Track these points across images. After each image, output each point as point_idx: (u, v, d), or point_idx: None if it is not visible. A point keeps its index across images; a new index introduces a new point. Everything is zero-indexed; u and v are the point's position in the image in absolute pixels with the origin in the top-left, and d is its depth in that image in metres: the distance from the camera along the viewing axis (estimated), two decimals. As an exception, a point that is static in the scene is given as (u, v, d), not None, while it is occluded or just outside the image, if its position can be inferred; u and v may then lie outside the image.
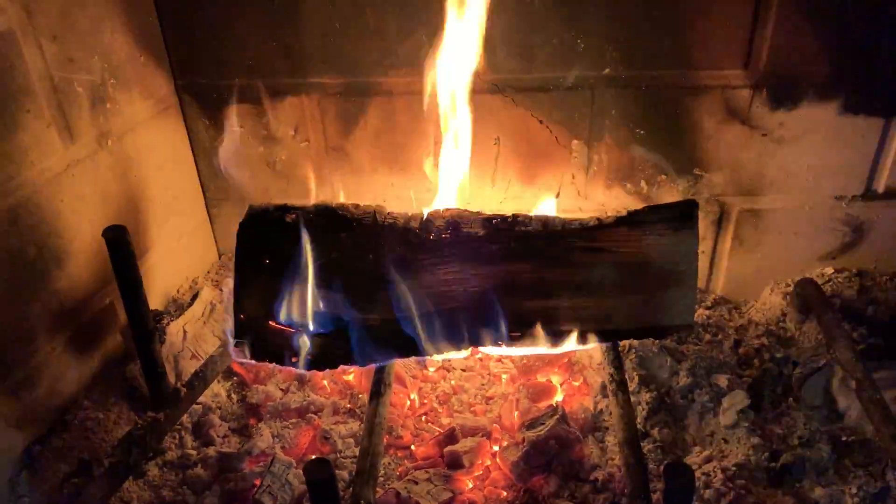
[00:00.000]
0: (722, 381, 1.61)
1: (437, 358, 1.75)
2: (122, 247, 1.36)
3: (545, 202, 1.80)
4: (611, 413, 1.53)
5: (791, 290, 1.82)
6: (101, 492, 1.36)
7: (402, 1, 1.66)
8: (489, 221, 1.47)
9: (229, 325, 1.49)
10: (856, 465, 1.49)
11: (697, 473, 1.46)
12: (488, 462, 1.53)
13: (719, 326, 1.82)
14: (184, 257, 1.94)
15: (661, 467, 1.45)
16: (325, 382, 1.72)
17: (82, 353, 1.62)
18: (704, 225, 1.85)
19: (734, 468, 1.46)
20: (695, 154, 1.78)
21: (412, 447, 1.57)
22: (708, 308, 1.90)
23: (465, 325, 1.48)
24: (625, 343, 1.69)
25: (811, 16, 1.59)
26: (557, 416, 1.51)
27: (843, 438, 1.52)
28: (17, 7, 1.38)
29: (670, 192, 1.83)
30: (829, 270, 1.88)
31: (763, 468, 1.47)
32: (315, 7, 1.69)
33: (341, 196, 1.91)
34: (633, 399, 1.55)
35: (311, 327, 1.47)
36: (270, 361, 1.51)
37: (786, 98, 1.69)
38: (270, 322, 1.46)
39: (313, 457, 1.53)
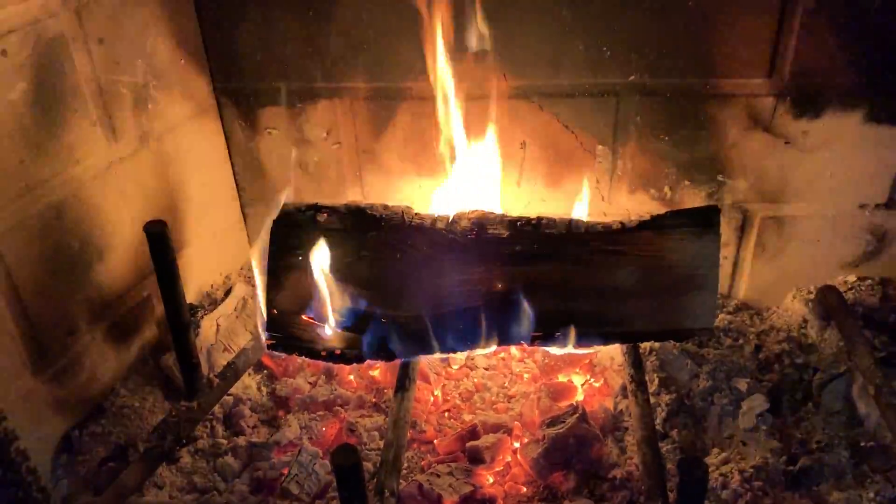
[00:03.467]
0: (742, 384, 1.63)
1: (461, 356, 1.80)
2: (162, 241, 1.42)
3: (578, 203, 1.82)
4: (630, 413, 1.56)
5: (813, 297, 1.83)
6: (136, 476, 1.42)
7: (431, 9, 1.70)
8: (514, 223, 1.51)
9: (261, 319, 1.54)
10: (874, 470, 1.49)
11: (715, 474, 1.48)
12: (509, 458, 1.56)
13: (741, 331, 1.83)
14: (218, 254, 1.99)
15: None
16: (352, 377, 1.76)
17: (120, 344, 1.68)
18: (727, 231, 1.87)
19: (752, 470, 1.47)
20: (718, 161, 1.79)
21: (435, 442, 1.61)
22: (730, 313, 1.91)
23: (489, 324, 1.51)
24: (646, 345, 1.71)
25: (835, 25, 1.60)
26: (578, 414, 1.54)
27: (862, 444, 1.53)
28: (68, 12, 1.44)
29: (694, 198, 1.85)
30: (852, 278, 1.88)
31: (781, 471, 1.49)
32: (348, 15, 1.74)
33: (371, 197, 1.97)
34: (652, 400, 1.58)
35: (340, 323, 1.51)
36: (300, 355, 1.56)
37: (809, 107, 1.70)
38: (303, 316, 1.51)
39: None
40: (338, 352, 1.53)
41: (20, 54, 1.36)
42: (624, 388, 1.63)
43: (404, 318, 1.51)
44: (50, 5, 1.41)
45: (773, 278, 1.92)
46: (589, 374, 1.77)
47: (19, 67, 1.36)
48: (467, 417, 1.66)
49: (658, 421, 1.58)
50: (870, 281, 1.87)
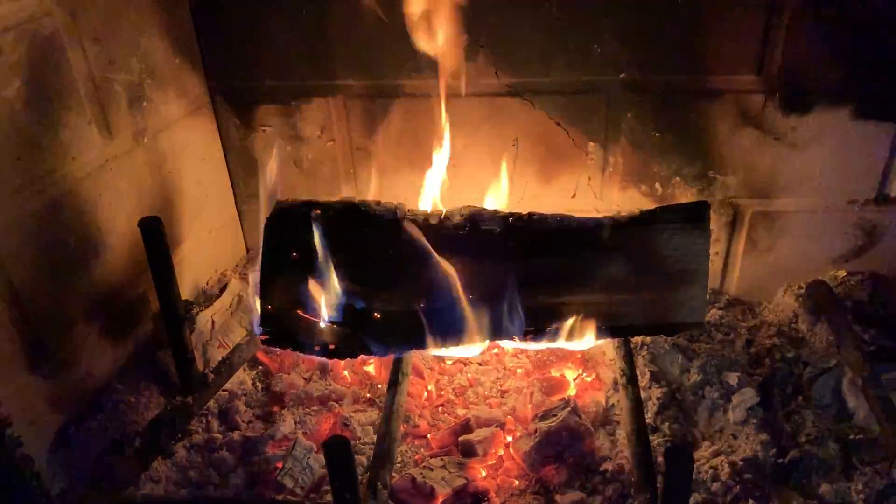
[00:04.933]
0: (732, 378, 1.64)
1: (454, 351, 1.81)
2: (156, 237, 1.43)
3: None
4: (621, 407, 1.57)
5: (803, 291, 1.85)
6: (131, 470, 1.44)
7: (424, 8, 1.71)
8: (506, 219, 1.52)
9: (255, 314, 1.55)
10: (863, 462, 1.50)
11: (705, 467, 1.49)
12: (501, 452, 1.58)
13: (732, 326, 1.85)
14: (213, 251, 2.01)
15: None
16: (346, 372, 1.78)
17: (116, 340, 1.69)
18: (718, 227, 1.88)
19: (742, 463, 1.49)
20: (709, 157, 1.81)
21: (428, 436, 1.62)
22: (721, 308, 1.93)
23: (481, 320, 1.53)
24: (637, 340, 1.73)
25: (823, 22, 1.62)
26: (569, 408, 1.56)
27: (851, 437, 1.54)
28: (63, 11, 1.45)
29: (684, 194, 1.86)
30: (842, 273, 1.89)
31: (770, 464, 1.50)
32: (342, 13, 1.76)
33: (364, 194, 1.98)
34: (644, 394, 1.59)
35: (333, 318, 1.53)
36: (294, 350, 1.58)
37: (798, 103, 1.72)
38: (299, 311, 1.52)
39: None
40: (332, 347, 1.54)
41: (15, 52, 1.37)
42: (615, 383, 1.64)
43: (398, 313, 1.52)
44: (45, 4, 1.42)
45: (763, 273, 1.94)
46: (581, 368, 1.78)
47: (14, 65, 1.37)
48: (461, 412, 1.68)
49: (649, 414, 1.60)
50: (859, 276, 1.89)
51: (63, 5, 1.46)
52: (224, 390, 1.68)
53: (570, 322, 1.53)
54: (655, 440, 1.55)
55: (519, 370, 1.79)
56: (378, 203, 1.55)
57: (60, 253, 1.52)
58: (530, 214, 1.53)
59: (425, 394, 1.73)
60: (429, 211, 1.54)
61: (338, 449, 1.06)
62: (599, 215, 1.54)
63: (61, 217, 1.51)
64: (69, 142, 1.51)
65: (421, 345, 1.55)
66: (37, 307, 1.47)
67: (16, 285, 1.42)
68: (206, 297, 1.90)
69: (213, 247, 2.00)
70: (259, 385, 1.76)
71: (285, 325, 1.54)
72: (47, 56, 1.44)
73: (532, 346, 1.73)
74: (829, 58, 1.66)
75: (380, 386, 1.73)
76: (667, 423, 1.59)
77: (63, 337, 1.54)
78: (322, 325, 1.53)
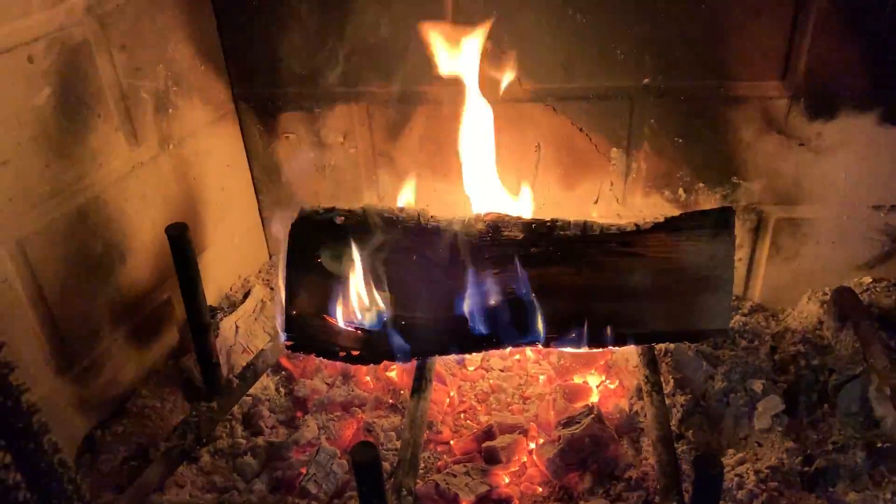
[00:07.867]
0: (757, 386, 1.63)
1: (477, 357, 1.81)
2: (183, 243, 1.44)
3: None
4: (645, 414, 1.57)
5: (828, 298, 1.83)
6: (157, 475, 1.44)
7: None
8: (529, 225, 1.52)
9: (279, 320, 1.56)
10: (891, 471, 1.49)
11: (731, 475, 1.48)
12: (525, 458, 1.57)
13: (756, 333, 1.83)
14: (237, 257, 2.02)
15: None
16: (369, 378, 1.78)
17: (141, 345, 1.70)
18: (742, 233, 1.87)
19: (767, 471, 1.48)
20: (732, 163, 1.80)
21: (451, 442, 1.62)
22: (745, 315, 1.92)
23: (504, 326, 1.52)
24: (661, 347, 1.72)
25: (849, 28, 1.61)
26: (593, 415, 1.55)
27: (879, 445, 1.53)
28: (92, 19, 1.48)
29: (708, 200, 1.85)
30: (867, 280, 1.88)
31: (796, 472, 1.49)
32: (365, 20, 1.77)
33: (387, 200, 1.99)
34: (668, 401, 1.58)
35: (357, 324, 1.53)
36: (318, 356, 1.58)
37: (823, 109, 1.70)
38: (324, 317, 1.52)
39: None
40: (355, 353, 1.54)
41: (46, 61, 1.39)
42: (639, 389, 1.63)
43: (420, 319, 1.52)
44: (74, 13, 1.44)
45: (788, 280, 1.92)
46: (604, 375, 1.78)
47: (45, 74, 1.39)
48: (483, 418, 1.67)
49: (673, 422, 1.59)
50: (885, 282, 1.87)
51: (92, 14, 1.48)
52: (248, 396, 1.69)
53: (593, 329, 1.52)
54: (680, 448, 1.54)
55: (541, 377, 1.78)
56: (401, 209, 1.56)
57: (88, 259, 1.54)
58: (553, 220, 1.53)
59: (448, 400, 1.73)
60: (452, 217, 1.54)
61: (366, 455, 1.06)
62: (622, 221, 1.53)
63: (89, 223, 1.53)
64: (97, 149, 1.53)
65: (444, 351, 1.55)
66: (64, 312, 1.49)
67: (44, 291, 1.44)
68: (230, 303, 1.92)
69: (236, 252, 2.02)
70: (282, 390, 1.77)
71: (309, 331, 1.55)
72: (76, 64, 1.46)
73: (555, 350, 1.72)
74: (855, 63, 1.65)
75: (402, 392, 1.73)
76: (691, 431, 1.58)
77: (90, 342, 1.56)
78: (346, 330, 1.53)
